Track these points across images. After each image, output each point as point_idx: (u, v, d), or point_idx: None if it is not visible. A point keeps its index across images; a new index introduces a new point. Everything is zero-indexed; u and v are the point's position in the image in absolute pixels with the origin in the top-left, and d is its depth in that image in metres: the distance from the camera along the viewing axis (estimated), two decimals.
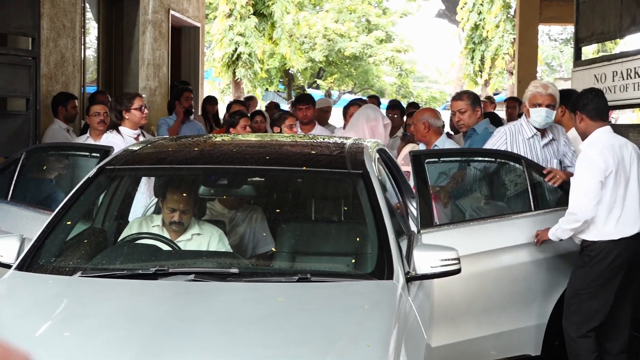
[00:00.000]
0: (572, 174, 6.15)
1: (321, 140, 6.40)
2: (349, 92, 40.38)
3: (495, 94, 26.53)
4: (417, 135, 7.63)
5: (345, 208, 5.51)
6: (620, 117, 13.07)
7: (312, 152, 5.66)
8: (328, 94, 38.11)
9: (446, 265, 4.59)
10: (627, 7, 7.33)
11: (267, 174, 5.40)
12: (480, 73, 25.95)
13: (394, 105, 11.30)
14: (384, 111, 10.23)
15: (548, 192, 6.53)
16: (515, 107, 13.60)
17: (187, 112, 11.26)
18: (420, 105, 15.08)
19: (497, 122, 9.35)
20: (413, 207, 6.30)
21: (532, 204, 6.18)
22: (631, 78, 7.02)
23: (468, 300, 5.88)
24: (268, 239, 5.43)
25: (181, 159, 5.41)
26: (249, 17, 21.57)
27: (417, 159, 6.19)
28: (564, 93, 7.09)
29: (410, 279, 4.55)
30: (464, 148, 7.26)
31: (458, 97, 7.49)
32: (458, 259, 4.63)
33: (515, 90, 17.70)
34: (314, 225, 5.53)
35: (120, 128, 7.62)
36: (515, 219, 6.14)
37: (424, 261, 4.55)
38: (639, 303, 6.65)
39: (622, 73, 7.15)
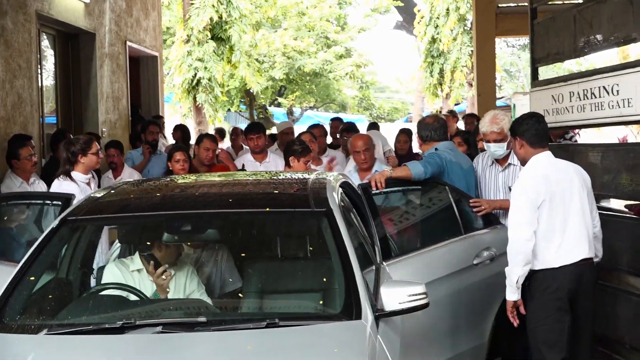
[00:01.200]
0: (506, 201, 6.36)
1: (283, 177, 6.43)
2: (310, 108, 40.37)
3: (456, 104, 26.67)
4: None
5: (311, 247, 5.51)
6: (583, 135, 13.22)
7: (275, 191, 5.68)
8: (290, 112, 38.12)
9: (414, 300, 4.62)
10: (581, 28, 7.39)
11: (231, 217, 5.39)
12: (440, 86, 26.05)
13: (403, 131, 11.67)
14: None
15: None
16: (473, 123, 13.68)
17: (152, 146, 11.24)
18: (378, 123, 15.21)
19: (467, 141, 9.48)
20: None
21: (461, 227, 6.59)
22: (588, 99, 7.06)
23: (431, 328, 5.94)
24: (235, 278, 5.43)
25: (144, 206, 5.39)
26: (207, 42, 21.53)
27: (366, 191, 6.35)
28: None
29: (379, 316, 4.56)
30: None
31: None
32: (425, 293, 4.67)
33: (476, 103, 17.78)
34: (281, 264, 5.54)
35: (73, 173, 7.44)
36: (454, 243, 6.45)
37: (392, 298, 4.57)
38: (603, 320, 6.72)
39: (579, 94, 7.20)
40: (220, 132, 14.24)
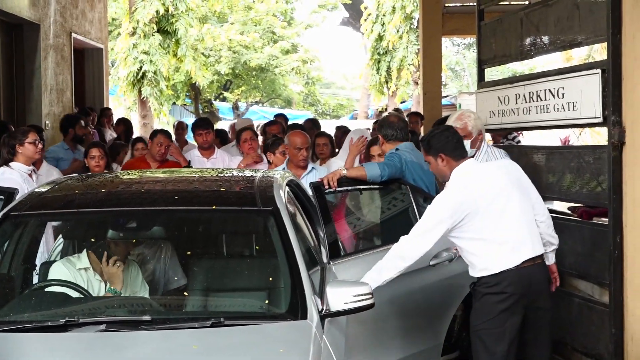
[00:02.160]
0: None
1: (230, 175, 6.40)
2: (256, 103, 40.30)
3: (402, 102, 26.77)
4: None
5: (257, 246, 5.50)
6: (526, 135, 13.34)
7: (222, 189, 5.65)
8: (235, 106, 37.99)
9: (359, 300, 4.62)
10: (527, 30, 7.45)
11: (177, 215, 5.35)
12: (386, 84, 26.09)
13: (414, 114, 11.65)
14: None
15: None
16: (417, 122, 13.75)
17: (78, 141, 11.05)
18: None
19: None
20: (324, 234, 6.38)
21: None
22: (534, 101, 7.11)
23: (379, 328, 5.95)
24: (180, 277, 5.39)
25: (89, 201, 5.34)
26: (152, 35, 21.36)
27: (317, 189, 6.30)
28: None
29: (324, 316, 4.56)
30: None
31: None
32: (371, 294, 4.68)
33: (421, 102, 17.85)
34: (226, 263, 5.51)
35: (12, 164, 7.47)
36: None
37: (337, 298, 4.58)
38: (560, 325, 6.76)
39: (524, 96, 7.25)
40: (180, 126, 14.03)
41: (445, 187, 5.75)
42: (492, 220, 5.52)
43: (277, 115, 13.75)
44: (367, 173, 6.59)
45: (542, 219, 5.76)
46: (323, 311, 4.55)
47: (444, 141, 5.71)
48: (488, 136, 8.71)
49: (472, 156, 6.59)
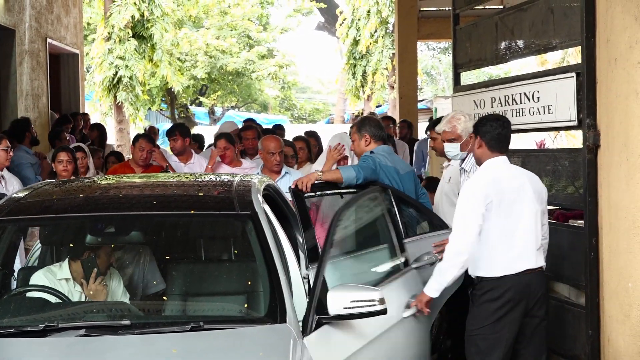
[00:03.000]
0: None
1: (208, 179, 6.41)
2: (232, 108, 40.25)
3: (377, 107, 26.83)
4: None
5: (236, 250, 5.51)
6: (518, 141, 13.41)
7: (200, 193, 5.65)
8: (211, 111, 37.96)
9: (362, 306, 4.56)
10: (502, 34, 7.49)
11: (156, 219, 5.36)
12: (362, 88, 26.14)
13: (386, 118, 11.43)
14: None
15: (418, 215, 6.95)
16: (389, 126, 13.79)
17: (33, 143, 11.01)
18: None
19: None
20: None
21: (401, 231, 6.42)
22: (509, 105, 7.17)
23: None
24: (159, 281, 5.39)
25: (67, 207, 5.33)
26: (128, 40, 21.32)
27: (297, 194, 6.29)
28: (438, 119, 7.28)
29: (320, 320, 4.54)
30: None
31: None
32: (379, 300, 4.60)
33: (397, 105, 17.92)
34: (205, 267, 5.51)
35: None
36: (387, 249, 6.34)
37: (337, 302, 4.53)
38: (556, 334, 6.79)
39: (500, 99, 7.31)
40: (151, 131, 14.03)
41: (473, 176, 5.99)
42: (507, 220, 5.66)
43: (247, 120, 13.69)
44: (342, 176, 6.57)
45: (544, 240, 5.92)
46: (312, 318, 4.51)
47: (489, 129, 5.85)
48: None
49: (463, 160, 6.68)
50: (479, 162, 5.96)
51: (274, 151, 8.14)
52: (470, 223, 5.63)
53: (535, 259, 5.75)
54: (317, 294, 4.60)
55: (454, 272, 5.67)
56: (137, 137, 9.46)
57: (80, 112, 16.06)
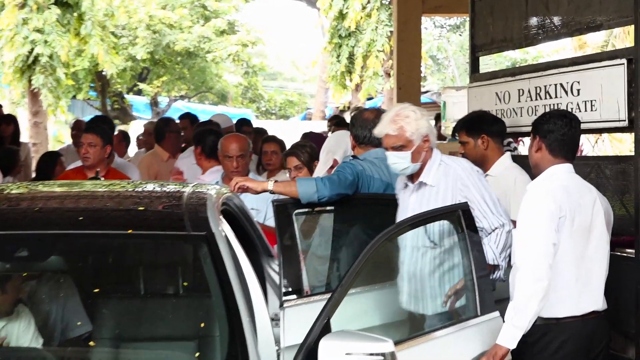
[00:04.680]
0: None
1: (151, 189, 6.37)
2: (181, 98, 40.25)
3: (368, 99, 26.84)
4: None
5: (185, 282, 5.48)
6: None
7: (140, 207, 5.62)
8: (154, 102, 37.91)
9: None
10: (534, 9, 7.48)
11: (81, 241, 5.31)
12: (349, 75, 26.12)
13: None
14: None
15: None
16: (339, 125, 13.78)
17: None
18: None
19: None
20: (273, 271, 6.35)
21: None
22: (541, 99, 7.16)
23: None
24: (83, 320, 5.35)
25: None
26: (48, 8, 21.24)
27: (282, 210, 6.24)
28: (478, 118, 7.21)
29: None
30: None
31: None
32: (387, 354, 4.55)
33: (395, 98, 17.90)
34: (144, 303, 5.50)
35: None
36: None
37: (329, 353, 4.51)
38: None
39: (529, 92, 7.30)
40: (77, 126, 13.94)
41: (530, 186, 5.85)
42: (577, 244, 5.63)
43: (183, 117, 13.66)
44: (298, 190, 6.44)
45: None
46: None
47: (553, 127, 5.81)
48: None
49: (416, 174, 6.38)
50: (535, 168, 5.93)
51: (232, 154, 8.11)
52: (544, 239, 5.50)
53: (603, 300, 5.75)
54: (311, 340, 4.59)
55: (535, 307, 5.41)
56: (79, 132, 9.46)
57: None
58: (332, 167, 7.90)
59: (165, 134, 11.22)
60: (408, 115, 6.30)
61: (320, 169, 8.06)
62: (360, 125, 7.09)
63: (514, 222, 6.10)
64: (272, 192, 6.49)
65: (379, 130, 6.35)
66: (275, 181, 6.66)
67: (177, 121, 12.59)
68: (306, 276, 6.16)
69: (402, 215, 6.38)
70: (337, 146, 8.24)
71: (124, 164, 10.69)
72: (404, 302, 5.98)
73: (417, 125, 6.25)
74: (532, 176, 6.20)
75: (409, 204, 6.37)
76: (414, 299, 5.98)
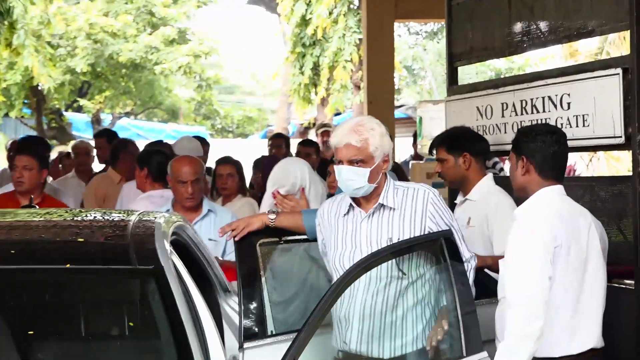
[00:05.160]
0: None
1: (92, 218, 6.35)
2: (126, 115, 40.19)
3: (336, 115, 26.86)
4: None
5: (131, 323, 5.46)
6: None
7: (79, 239, 5.60)
8: (96, 119, 37.81)
9: None
10: (518, 14, 7.50)
11: (11, 276, 5.28)
12: (314, 87, 26.11)
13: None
14: None
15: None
16: (281, 146, 13.79)
17: None
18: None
19: None
20: (231, 309, 6.33)
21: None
22: (527, 113, 7.17)
23: None
24: None
25: None
26: None
27: (244, 239, 6.19)
28: (460, 135, 7.21)
29: None
30: None
31: None
32: None
33: (365, 113, 17.92)
34: (85, 346, 5.47)
35: None
36: None
37: None
38: None
39: (514, 106, 7.32)
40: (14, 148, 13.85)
41: (519, 213, 5.82)
42: (574, 276, 5.64)
43: (99, 134, 13.67)
44: (305, 224, 6.30)
45: None
46: None
47: (540, 146, 5.77)
48: None
49: (367, 197, 6.08)
50: (522, 192, 5.91)
51: (186, 179, 8.06)
52: (539, 273, 5.49)
53: (600, 336, 5.77)
54: None
55: (529, 349, 5.38)
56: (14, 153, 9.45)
57: None
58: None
59: (119, 156, 11.22)
60: (373, 128, 6.01)
61: (266, 204, 7.92)
62: None
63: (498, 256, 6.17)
64: (273, 226, 6.25)
65: (337, 140, 5.95)
66: (275, 212, 6.41)
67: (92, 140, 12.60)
68: (270, 314, 6.12)
69: (349, 244, 6.07)
70: (285, 179, 7.89)
71: (55, 189, 10.67)
72: (352, 342, 5.83)
73: (381, 142, 5.97)
74: (516, 199, 6.21)
75: (360, 232, 6.03)
76: (368, 339, 5.79)
